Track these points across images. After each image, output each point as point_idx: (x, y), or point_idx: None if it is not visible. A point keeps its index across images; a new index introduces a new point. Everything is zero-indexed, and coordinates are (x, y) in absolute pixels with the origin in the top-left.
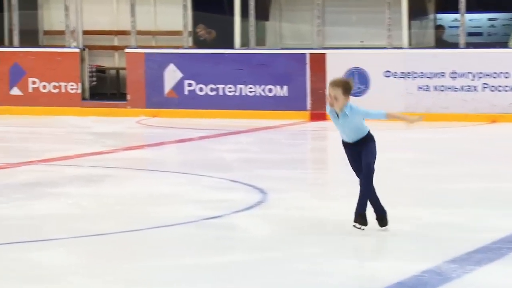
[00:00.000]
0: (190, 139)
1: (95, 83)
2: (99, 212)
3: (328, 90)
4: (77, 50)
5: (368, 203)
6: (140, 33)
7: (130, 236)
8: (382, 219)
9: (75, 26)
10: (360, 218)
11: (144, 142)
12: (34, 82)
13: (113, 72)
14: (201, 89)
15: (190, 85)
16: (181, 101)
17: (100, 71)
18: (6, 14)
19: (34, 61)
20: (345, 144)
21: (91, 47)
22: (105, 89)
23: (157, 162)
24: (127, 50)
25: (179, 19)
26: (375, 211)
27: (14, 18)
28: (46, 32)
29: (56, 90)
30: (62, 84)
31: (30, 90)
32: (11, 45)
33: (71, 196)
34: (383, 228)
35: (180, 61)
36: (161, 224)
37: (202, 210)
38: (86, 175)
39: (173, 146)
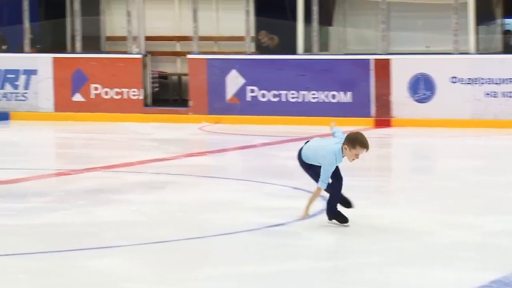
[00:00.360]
0: (253, 146)
1: (157, 89)
2: (161, 219)
3: (359, 152)
4: (139, 56)
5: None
6: (202, 38)
7: (192, 244)
8: (346, 203)
9: (137, 32)
10: (339, 218)
11: (206, 148)
12: (96, 88)
13: (175, 78)
14: (263, 95)
15: (252, 91)
16: (243, 107)
17: (162, 77)
18: (68, 20)
19: (96, 67)
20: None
21: (153, 53)
22: (167, 95)
23: (220, 169)
24: (189, 56)
25: (241, 24)
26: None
27: (76, 24)
28: (108, 38)
29: (118, 96)
30: (124, 90)
31: (92, 96)
32: (73, 51)
33: (133, 203)
34: (350, 208)
35: (242, 67)
36: (223, 231)
37: (265, 218)
38: (148, 182)
39: (235, 152)
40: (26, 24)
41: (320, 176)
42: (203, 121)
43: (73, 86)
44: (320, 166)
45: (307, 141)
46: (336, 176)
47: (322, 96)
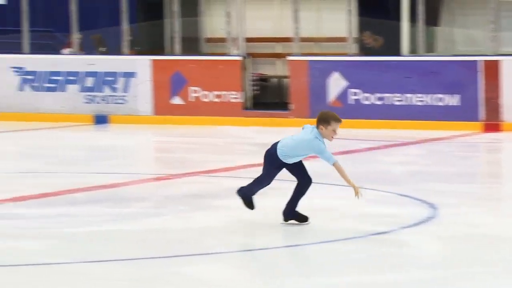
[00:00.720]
0: (356, 151)
1: (257, 92)
2: (260, 225)
3: (335, 127)
4: (239, 58)
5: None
6: (303, 40)
7: (292, 251)
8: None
9: (237, 33)
10: (299, 218)
11: None
12: (195, 91)
13: (275, 80)
14: (367, 98)
15: (355, 94)
16: (346, 110)
17: (263, 80)
18: (167, 21)
19: (195, 69)
20: (285, 164)
21: (253, 55)
22: (267, 98)
23: (321, 174)
24: (289, 57)
25: (344, 25)
26: (247, 196)
27: (175, 25)
28: (208, 40)
29: (218, 99)
30: (224, 93)
31: (191, 99)
32: (172, 53)
33: (233, 209)
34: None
35: (345, 68)
36: (324, 239)
37: (368, 225)
38: None
39: (338, 157)
40: (125, 25)
41: (325, 158)
42: (304, 124)
43: (172, 89)
44: (297, 164)
45: (277, 142)
46: (305, 176)
47: (428, 99)
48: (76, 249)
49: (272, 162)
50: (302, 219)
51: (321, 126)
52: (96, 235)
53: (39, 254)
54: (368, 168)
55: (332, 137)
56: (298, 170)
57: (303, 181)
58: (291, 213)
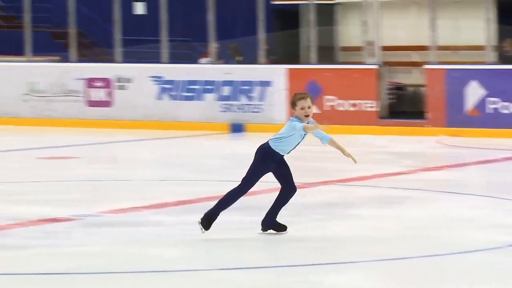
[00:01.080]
0: (495, 160)
1: (393, 100)
2: (396, 235)
3: (302, 104)
4: (374, 66)
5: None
6: (439, 48)
7: (429, 262)
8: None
9: (373, 42)
10: (278, 228)
11: (445, 163)
12: (330, 100)
13: (411, 89)
14: (506, 107)
15: (494, 103)
16: (484, 120)
17: (398, 88)
18: (303, 30)
19: (330, 78)
20: (278, 157)
21: (388, 63)
22: (403, 107)
23: (459, 184)
24: (426, 66)
25: (482, 33)
26: (215, 214)
27: (311, 34)
28: (344, 48)
29: (353, 108)
30: (359, 102)
31: (326, 108)
32: (308, 62)
33: (368, 218)
34: (200, 225)
35: (483, 77)
36: (462, 249)
37: (506, 236)
38: (384, 196)
39: (475, 167)
40: (261, 35)
41: (298, 130)
42: (441, 134)
43: None
44: (285, 170)
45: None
46: (290, 185)
47: None
48: (213, 256)
49: (264, 155)
50: (281, 228)
51: (292, 111)
52: (233, 243)
53: (178, 261)
54: (506, 178)
55: (306, 116)
56: (285, 176)
57: (288, 189)
58: (271, 223)
